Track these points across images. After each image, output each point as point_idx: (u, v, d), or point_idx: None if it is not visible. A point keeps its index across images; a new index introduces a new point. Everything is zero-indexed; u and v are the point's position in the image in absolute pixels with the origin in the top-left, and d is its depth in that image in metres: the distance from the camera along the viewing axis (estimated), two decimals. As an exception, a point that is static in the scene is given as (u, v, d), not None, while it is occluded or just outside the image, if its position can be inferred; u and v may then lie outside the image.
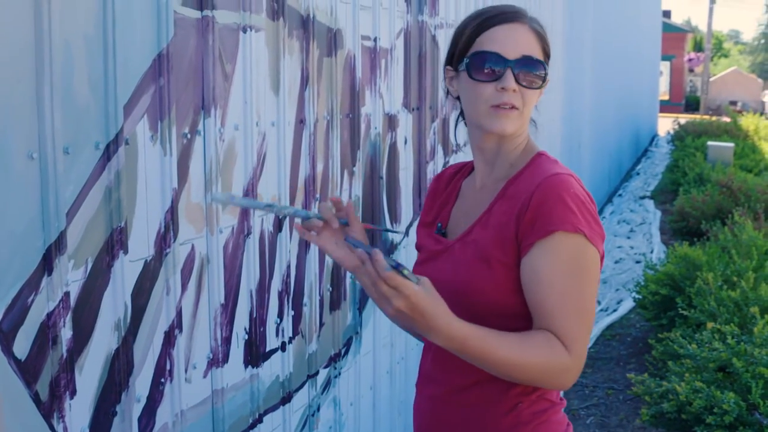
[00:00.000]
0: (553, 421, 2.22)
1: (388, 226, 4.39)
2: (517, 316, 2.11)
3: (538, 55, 2.20)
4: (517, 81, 2.15)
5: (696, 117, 30.17)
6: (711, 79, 48.55)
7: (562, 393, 2.29)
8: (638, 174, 19.58)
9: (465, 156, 5.74)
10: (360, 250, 1.92)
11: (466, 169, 2.43)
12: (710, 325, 5.59)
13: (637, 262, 10.32)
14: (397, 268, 1.85)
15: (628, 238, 12.10)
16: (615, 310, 8.47)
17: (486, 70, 2.17)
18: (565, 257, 2.05)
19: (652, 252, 11.01)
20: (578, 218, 2.05)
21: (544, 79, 2.21)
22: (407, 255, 4.67)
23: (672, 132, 24.19)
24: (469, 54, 2.21)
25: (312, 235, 2.17)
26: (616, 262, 10.57)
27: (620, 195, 16.39)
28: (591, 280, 2.09)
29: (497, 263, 2.11)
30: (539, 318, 2.07)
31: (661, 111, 33.50)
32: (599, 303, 8.75)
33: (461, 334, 1.96)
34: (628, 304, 8.51)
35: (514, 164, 2.25)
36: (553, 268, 2.05)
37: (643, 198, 15.75)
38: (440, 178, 2.48)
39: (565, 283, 2.05)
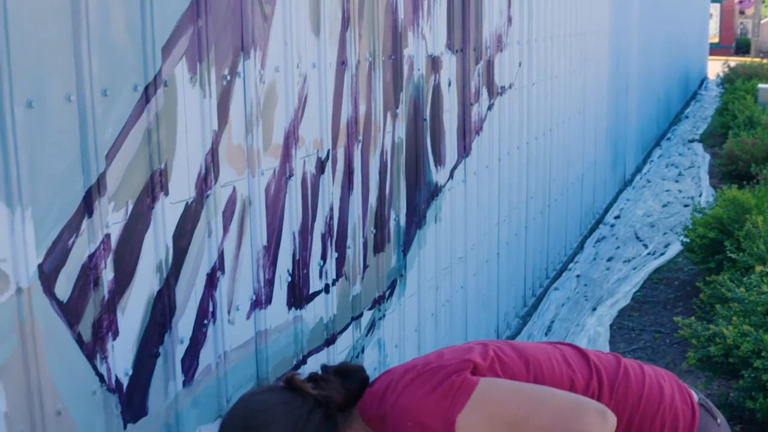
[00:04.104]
0: (643, 393, 2.24)
1: (432, 168, 4.37)
2: None
3: None
4: None
5: (746, 60, 29.69)
6: (762, 21, 47.67)
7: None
8: (687, 117, 19.34)
9: (509, 98, 5.69)
10: None
11: None
12: (759, 268, 5.52)
13: (686, 205, 10.21)
14: None
15: (677, 181, 11.96)
16: (662, 254, 8.39)
17: None
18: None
19: (700, 195, 10.89)
20: (441, 418, 2.05)
21: None
22: (452, 197, 4.65)
23: (722, 75, 23.82)
24: None
25: None
26: (664, 205, 10.47)
27: (669, 138, 16.20)
28: (506, 405, 2.07)
29: None
30: None
31: (711, 54, 32.97)
32: (646, 247, 8.68)
33: None
34: (675, 248, 8.44)
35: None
36: None
37: (691, 141, 15.56)
38: None
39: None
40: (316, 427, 2.17)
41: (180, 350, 2.53)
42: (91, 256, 2.17)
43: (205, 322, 2.63)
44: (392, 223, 3.93)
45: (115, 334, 2.27)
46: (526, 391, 2.08)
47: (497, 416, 2.05)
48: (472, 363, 2.13)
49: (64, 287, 2.10)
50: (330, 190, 3.32)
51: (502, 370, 2.16)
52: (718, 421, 2.31)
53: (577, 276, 7.68)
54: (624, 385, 2.23)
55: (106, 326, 2.23)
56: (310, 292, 3.23)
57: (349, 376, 2.28)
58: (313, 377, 2.27)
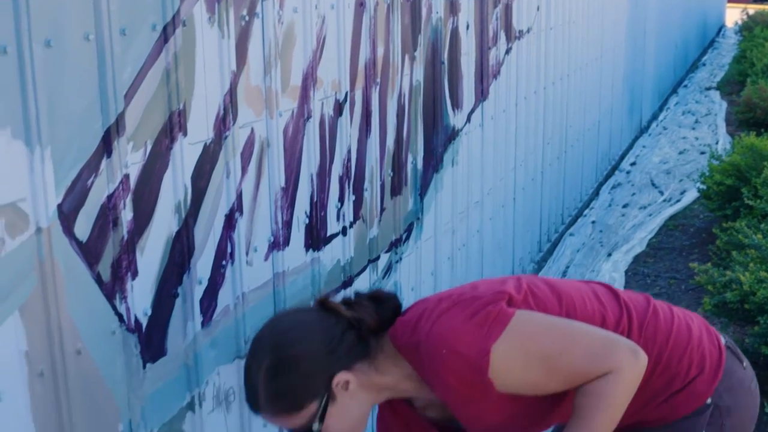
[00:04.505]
0: (674, 331, 2.24)
1: (450, 111, 4.34)
2: (561, 395, 2.12)
3: (289, 421, 2.15)
4: None
5: (765, 7, 29.37)
6: (782, -33, 47.16)
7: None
8: (704, 65, 19.17)
9: (527, 43, 5.65)
10: None
11: (394, 401, 2.35)
12: (776, 214, 5.50)
13: (702, 153, 10.16)
14: None
15: (693, 129, 11.88)
16: (678, 201, 8.36)
17: None
18: (514, 367, 2.04)
19: (717, 143, 10.82)
20: (476, 348, 2.02)
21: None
22: (469, 141, 4.63)
23: (740, 23, 23.59)
24: None
25: None
26: (681, 153, 10.41)
27: (686, 86, 16.08)
28: (540, 339, 2.06)
29: (499, 409, 2.11)
30: (568, 388, 2.08)
31: (729, 1, 32.65)
32: (662, 194, 8.65)
33: None
34: (691, 195, 8.40)
35: (410, 375, 2.18)
36: (521, 378, 2.05)
37: (708, 89, 15.43)
38: (384, 420, 2.45)
39: (539, 370, 2.05)
40: (348, 347, 2.13)
41: (198, 291, 2.53)
42: (110, 197, 2.16)
43: (224, 263, 2.63)
44: (409, 167, 3.91)
45: (135, 275, 2.27)
46: (559, 326, 2.07)
47: (531, 349, 2.04)
48: (508, 294, 2.10)
49: (83, 227, 2.09)
50: (348, 133, 3.31)
51: (535, 304, 2.15)
52: (744, 364, 2.31)
53: (593, 222, 7.66)
54: (653, 324, 2.23)
55: (125, 266, 2.23)
56: (328, 234, 3.22)
57: (383, 302, 2.26)
58: (346, 301, 2.25)
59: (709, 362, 2.23)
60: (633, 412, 2.18)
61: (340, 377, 2.12)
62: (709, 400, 2.21)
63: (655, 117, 12.59)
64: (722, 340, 2.29)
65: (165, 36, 2.32)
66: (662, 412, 2.25)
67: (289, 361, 2.11)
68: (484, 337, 2.02)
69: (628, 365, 2.03)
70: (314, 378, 2.11)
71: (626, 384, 2.03)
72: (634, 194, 8.61)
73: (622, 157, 9.89)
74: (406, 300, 3.91)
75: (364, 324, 2.17)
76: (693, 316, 2.34)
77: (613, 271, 6.43)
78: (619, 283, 6.23)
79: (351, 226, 3.38)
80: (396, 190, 3.77)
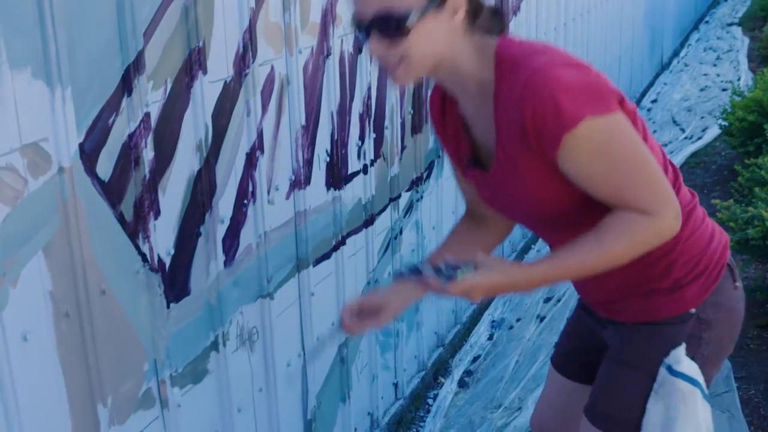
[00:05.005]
0: (694, 231, 2.21)
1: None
2: (585, 202, 2.05)
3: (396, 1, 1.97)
4: (381, 40, 1.97)
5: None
6: None
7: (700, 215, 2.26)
8: (726, 0, 18.97)
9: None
10: (414, 279, 1.97)
11: (445, 90, 2.24)
12: (800, 150, 5.46)
13: (724, 89, 10.06)
14: (452, 276, 1.91)
15: (714, 65, 11.77)
16: (700, 138, 8.30)
17: (360, 33, 2.01)
18: (585, 149, 1.96)
19: (739, 80, 10.71)
20: (575, 106, 1.92)
21: (407, 27, 1.95)
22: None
23: (763, -45, 23.31)
24: None
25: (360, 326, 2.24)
26: (702, 89, 10.32)
27: (707, 22, 15.91)
28: (622, 145, 2.00)
29: (537, 175, 2.04)
30: (609, 202, 2.02)
31: (752, -67, 32.19)
32: (683, 131, 8.60)
33: (537, 273, 2.00)
34: (713, 132, 8.34)
35: (483, 80, 2.06)
36: (583, 164, 1.97)
37: (730, 25, 15.26)
38: (434, 110, 2.33)
39: (602, 167, 1.98)
40: (467, 20, 2.04)
41: (221, 230, 2.53)
42: (131, 135, 2.15)
43: (245, 202, 2.63)
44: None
45: (157, 214, 2.26)
46: (642, 149, 2.02)
47: (612, 145, 1.99)
48: (621, 96, 2.06)
49: (105, 166, 2.09)
50: (368, 70, 3.28)
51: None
52: (736, 284, 2.28)
53: (614, 159, 7.62)
54: (686, 215, 2.20)
55: (147, 206, 2.22)
56: (349, 172, 3.21)
57: (499, 16, 2.16)
58: None
59: (707, 274, 2.21)
60: (620, 286, 2.22)
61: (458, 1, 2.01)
62: (693, 310, 2.20)
63: (676, 53, 12.47)
64: (727, 257, 2.26)
65: (183, -27, 2.30)
66: (646, 306, 2.24)
67: None
68: (584, 105, 1.94)
69: (668, 221, 2.01)
70: None
71: (655, 233, 2.02)
72: (655, 131, 8.55)
73: (643, 94, 9.81)
74: (427, 237, 3.91)
75: (480, 10, 2.06)
76: (720, 230, 2.30)
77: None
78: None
79: (372, 164, 3.37)
80: (417, 128, 3.75)
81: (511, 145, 2.03)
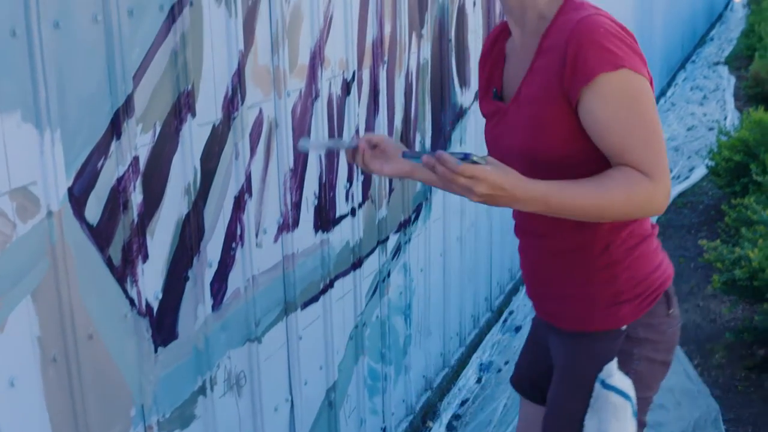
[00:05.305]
0: (647, 254, 2.31)
1: (457, 89, 4.33)
2: (583, 163, 2.15)
3: None
4: None
5: (772, -20, 29.26)
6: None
7: (654, 219, 2.40)
8: (712, 40, 19.09)
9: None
10: (425, 156, 1.97)
11: (507, 29, 2.40)
12: (786, 190, 5.48)
13: (710, 129, 10.12)
14: (466, 158, 1.92)
15: (701, 104, 11.84)
16: (687, 178, 8.34)
17: None
18: (616, 95, 2.07)
19: (725, 119, 10.77)
20: (616, 54, 2.06)
21: None
22: (477, 119, 4.61)
23: (747, -5, 23.53)
24: None
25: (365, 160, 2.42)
26: (689, 129, 10.37)
27: (693, 61, 16.01)
28: (647, 106, 2.11)
29: (552, 119, 2.15)
30: (612, 157, 2.12)
31: (736, -26, 32.49)
32: (671, 170, 8.62)
33: (540, 193, 2.03)
34: (700, 172, 8.37)
35: (543, 16, 2.23)
36: (608, 109, 2.08)
37: (717, 64, 15.36)
38: (486, 43, 2.48)
39: (624, 118, 2.08)
40: None
41: (209, 274, 2.52)
42: (120, 179, 2.15)
43: (233, 245, 2.62)
44: (418, 146, 3.90)
45: (145, 258, 2.26)
46: (659, 123, 2.13)
47: (639, 103, 2.09)
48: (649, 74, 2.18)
49: (93, 210, 2.08)
50: (356, 112, 3.29)
51: None
52: (670, 311, 2.35)
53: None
54: (650, 238, 2.34)
55: (135, 249, 2.21)
56: (337, 215, 3.21)
57: None
58: None
59: (643, 297, 2.29)
60: (565, 277, 2.33)
61: None
62: (624, 327, 2.29)
63: (663, 93, 12.54)
64: (667, 286, 2.34)
65: (173, 16, 2.30)
66: (582, 312, 2.33)
67: None
68: (627, 60, 2.07)
69: (662, 190, 2.09)
70: None
71: (649, 196, 2.09)
72: (641, 171, 8.57)
73: (629, 134, 9.83)
74: (415, 280, 3.90)
75: None
76: (668, 263, 2.40)
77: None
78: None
79: (360, 206, 3.37)
80: (405, 169, 3.75)
81: (539, 78, 2.17)
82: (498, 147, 2.28)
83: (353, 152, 2.44)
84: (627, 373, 2.29)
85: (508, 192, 1.98)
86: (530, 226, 2.38)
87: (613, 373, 2.28)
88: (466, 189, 1.96)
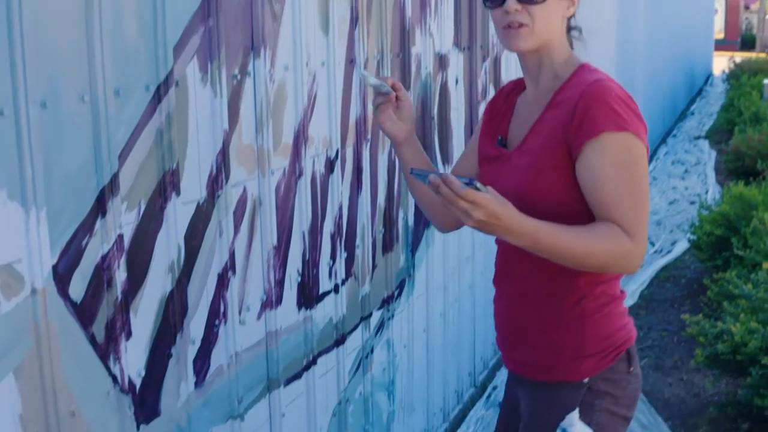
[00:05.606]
0: (614, 314, 2.41)
1: (440, 166, 4.36)
2: (572, 214, 2.26)
3: None
4: (519, 0, 2.29)
5: (752, 55, 29.67)
6: (767, 17, 47.60)
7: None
8: (693, 114, 19.31)
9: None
10: (432, 175, 2.05)
11: (521, 85, 2.54)
12: (766, 265, 5.51)
13: (692, 203, 10.20)
14: (470, 184, 2.03)
15: (683, 179, 11.95)
16: (669, 252, 8.38)
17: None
18: (615, 154, 2.21)
19: (707, 192, 10.87)
20: (622, 117, 2.20)
21: None
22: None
23: (727, 71, 23.81)
24: None
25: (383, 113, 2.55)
26: (671, 203, 10.45)
27: (674, 135, 16.18)
28: (641, 171, 2.25)
29: (551, 168, 2.28)
30: (599, 212, 2.24)
31: (716, 49, 32.94)
32: (653, 245, 8.68)
33: (533, 229, 2.14)
34: (682, 246, 8.43)
35: (558, 76, 2.38)
36: (606, 165, 2.21)
37: (697, 138, 15.53)
38: (500, 94, 2.62)
39: (619, 176, 2.22)
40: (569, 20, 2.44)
41: (192, 351, 2.53)
42: (104, 257, 2.17)
43: (217, 322, 2.63)
44: (401, 223, 3.93)
45: (128, 335, 2.27)
46: (648, 191, 2.27)
47: (635, 167, 2.22)
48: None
49: (78, 288, 2.10)
50: (339, 190, 3.32)
51: None
52: (631, 369, 2.43)
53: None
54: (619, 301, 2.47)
55: (119, 327, 2.23)
56: (320, 292, 3.23)
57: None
58: None
59: (605, 353, 2.39)
60: (535, 321, 2.42)
61: None
62: (586, 380, 2.38)
63: (644, 168, 12.61)
64: (629, 345, 2.43)
65: (158, 96, 2.34)
66: (547, 361, 2.42)
67: None
68: (631, 125, 2.21)
69: (638, 250, 2.23)
70: None
71: (626, 253, 2.21)
72: (624, 245, 8.60)
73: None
74: (398, 356, 3.91)
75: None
76: (631, 327, 2.48)
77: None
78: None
79: (343, 283, 3.39)
80: (387, 246, 3.78)
81: (546, 128, 2.31)
82: (498, 184, 2.37)
83: (379, 95, 2.55)
84: (588, 423, 2.38)
85: (502, 222, 2.08)
86: (511, 269, 2.47)
87: (575, 422, 2.38)
88: (465, 212, 2.05)
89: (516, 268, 2.44)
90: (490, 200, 2.05)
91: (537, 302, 2.42)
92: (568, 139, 2.23)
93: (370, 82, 2.50)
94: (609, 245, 2.20)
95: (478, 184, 2.04)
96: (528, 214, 2.18)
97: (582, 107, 2.21)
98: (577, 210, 2.26)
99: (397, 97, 2.55)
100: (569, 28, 2.46)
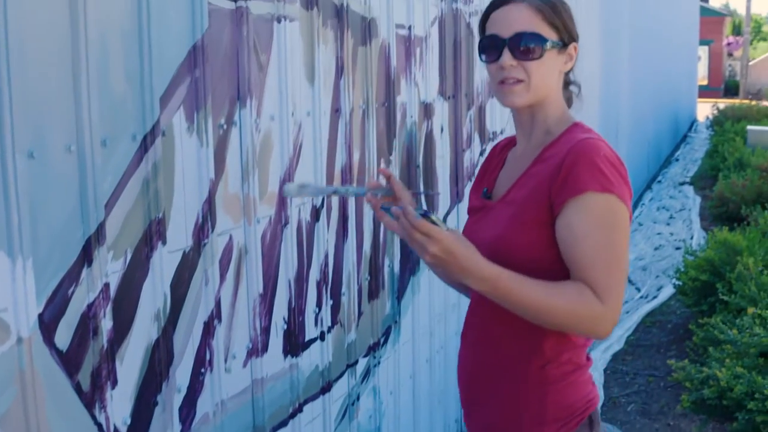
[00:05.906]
0: (578, 383, 2.39)
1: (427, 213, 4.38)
2: (550, 271, 2.23)
3: (538, 28, 2.32)
4: (515, 56, 2.29)
5: (735, 102, 29.91)
6: (750, 63, 48.08)
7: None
8: (677, 160, 19.43)
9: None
10: (394, 208, 2.10)
11: (514, 141, 2.55)
12: (751, 310, 5.55)
13: (677, 248, 10.24)
14: (426, 215, 2.05)
15: (668, 224, 12.00)
16: (655, 297, 8.41)
17: (489, 52, 2.35)
18: (596, 214, 2.19)
19: (692, 238, 10.92)
20: (608, 179, 2.19)
21: (543, 49, 2.31)
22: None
23: (711, 117, 24.00)
24: (479, 41, 2.42)
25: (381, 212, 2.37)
26: (656, 248, 10.50)
27: (659, 181, 16.27)
28: (622, 235, 2.23)
29: (531, 221, 2.26)
30: (574, 271, 2.21)
31: (700, 96, 33.20)
32: (639, 290, 8.71)
33: (493, 274, 2.14)
34: (668, 291, 8.46)
35: (550, 132, 2.38)
36: (586, 224, 2.19)
37: (682, 184, 15.63)
38: (494, 149, 2.63)
39: (597, 237, 2.19)
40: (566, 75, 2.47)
41: (178, 399, 2.53)
42: (90, 305, 2.18)
43: (202, 370, 2.64)
44: (386, 270, 3.94)
45: (114, 383, 2.27)
46: (627, 257, 2.26)
47: (616, 230, 2.21)
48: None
49: (63, 336, 2.11)
50: (325, 238, 3.34)
51: None
52: None
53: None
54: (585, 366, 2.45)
55: (105, 375, 2.23)
56: (306, 339, 3.23)
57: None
58: None
59: (568, 420, 2.36)
60: (497, 375, 2.40)
61: (575, 48, 2.40)
62: None
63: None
64: (592, 410, 2.41)
65: (145, 146, 2.36)
66: (507, 424, 2.40)
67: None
68: (617, 188, 2.20)
69: (609, 316, 2.19)
70: (572, 25, 2.39)
71: (594, 317, 2.18)
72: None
73: (597, 254, 9.91)
74: (385, 403, 3.91)
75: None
76: (595, 395, 2.47)
77: (591, 370, 6.43)
78: (597, 382, 6.23)
79: (329, 330, 3.40)
80: (373, 293, 3.79)
81: (531, 182, 2.30)
82: (471, 240, 2.35)
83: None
84: None
85: (458, 261, 2.09)
86: (478, 323, 2.47)
87: None
88: (420, 246, 2.08)
89: (484, 323, 2.43)
90: (447, 235, 2.07)
91: (501, 365, 2.40)
92: (551, 194, 2.22)
93: (293, 194, 2.48)
94: (574, 305, 2.17)
95: (434, 217, 2.07)
96: (504, 267, 2.17)
97: (568, 164, 2.20)
98: (552, 270, 2.23)
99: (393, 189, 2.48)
100: (567, 83, 2.48)
